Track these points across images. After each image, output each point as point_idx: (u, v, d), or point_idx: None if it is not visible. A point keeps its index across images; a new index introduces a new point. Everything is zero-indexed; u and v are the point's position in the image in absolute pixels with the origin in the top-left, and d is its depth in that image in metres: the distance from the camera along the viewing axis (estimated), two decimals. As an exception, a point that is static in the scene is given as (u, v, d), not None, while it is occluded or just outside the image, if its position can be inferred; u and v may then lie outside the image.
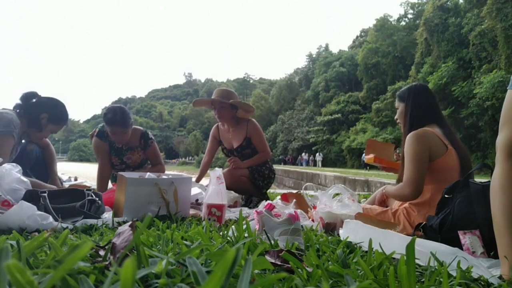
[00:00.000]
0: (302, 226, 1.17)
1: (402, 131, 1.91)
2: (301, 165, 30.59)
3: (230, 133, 2.82)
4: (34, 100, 2.16)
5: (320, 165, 28.17)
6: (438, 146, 1.64)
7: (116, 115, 2.50)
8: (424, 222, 1.38)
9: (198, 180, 2.84)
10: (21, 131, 2.11)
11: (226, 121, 2.76)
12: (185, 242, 0.85)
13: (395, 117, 1.94)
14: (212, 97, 2.76)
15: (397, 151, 2.77)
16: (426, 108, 1.78)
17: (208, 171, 1.98)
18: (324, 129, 34.64)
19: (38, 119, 2.14)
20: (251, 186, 2.67)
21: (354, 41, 47.22)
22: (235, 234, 1.00)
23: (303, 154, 32.85)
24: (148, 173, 1.96)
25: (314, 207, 1.71)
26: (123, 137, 2.59)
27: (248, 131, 2.74)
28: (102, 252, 0.66)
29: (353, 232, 1.08)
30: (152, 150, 2.79)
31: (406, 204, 1.74)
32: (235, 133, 2.79)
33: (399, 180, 1.83)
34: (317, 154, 30.74)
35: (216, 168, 1.70)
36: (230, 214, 1.95)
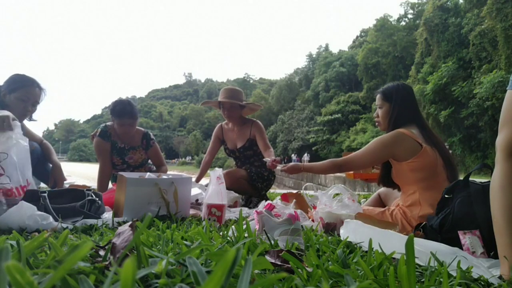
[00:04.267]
0: (302, 226, 1.17)
1: (380, 128, 1.89)
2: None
3: (235, 133, 2.84)
4: None
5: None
6: (408, 146, 1.65)
7: (126, 106, 2.58)
8: (424, 222, 1.38)
9: (198, 179, 2.85)
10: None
11: (235, 120, 2.79)
12: (185, 242, 0.84)
13: (375, 115, 1.90)
14: (220, 97, 2.78)
15: None
16: (411, 108, 1.78)
17: (208, 171, 1.98)
18: (324, 129, 34.66)
19: (1, 99, 2.09)
20: (250, 188, 2.66)
21: (354, 41, 47.22)
22: (235, 234, 1.00)
23: (292, 155, 33.72)
24: (148, 173, 1.97)
25: (314, 207, 1.72)
26: (130, 129, 2.61)
27: (251, 133, 2.76)
28: (102, 252, 0.66)
29: (353, 232, 1.07)
30: (154, 151, 2.82)
31: (400, 205, 1.75)
32: (240, 133, 2.82)
33: (382, 182, 1.88)
34: (305, 154, 31.47)
35: (216, 168, 1.70)
36: (230, 214, 1.95)
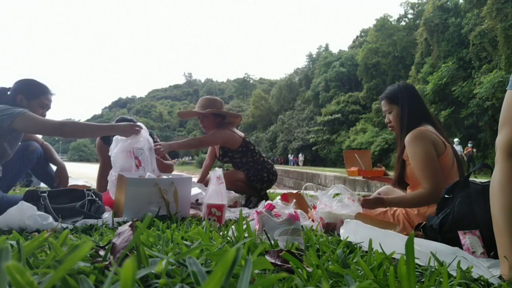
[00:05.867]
0: (302, 226, 1.17)
1: (395, 133, 1.83)
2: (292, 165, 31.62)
3: None
4: (8, 93, 2.07)
5: (301, 165, 29.34)
6: (439, 144, 1.62)
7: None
8: (424, 222, 1.38)
9: (199, 182, 2.83)
10: None
11: (211, 130, 2.69)
12: (185, 242, 0.84)
13: (387, 121, 1.84)
14: (196, 106, 2.73)
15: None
16: (420, 107, 1.75)
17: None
18: (324, 129, 34.63)
19: (18, 105, 2.05)
20: (248, 189, 2.64)
21: (354, 41, 47.17)
22: (235, 234, 1.00)
23: (289, 155, 34.10)
24: (148, 173, 1.96)
25: (314, 207, 1.71)
26: None
27: None
28: (102, 252, 0.66)
29: (353, 232, 1.07)
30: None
31: None
32: None
33: (397, 182, 1.82)
34: (300, 154, 31.59)
35: (216, 168, 1.70)
36: (230, 214, 1.95)
